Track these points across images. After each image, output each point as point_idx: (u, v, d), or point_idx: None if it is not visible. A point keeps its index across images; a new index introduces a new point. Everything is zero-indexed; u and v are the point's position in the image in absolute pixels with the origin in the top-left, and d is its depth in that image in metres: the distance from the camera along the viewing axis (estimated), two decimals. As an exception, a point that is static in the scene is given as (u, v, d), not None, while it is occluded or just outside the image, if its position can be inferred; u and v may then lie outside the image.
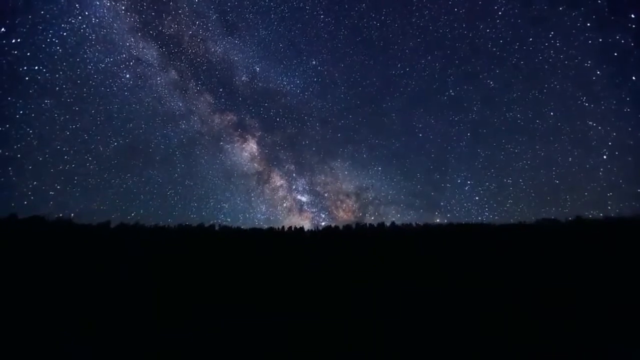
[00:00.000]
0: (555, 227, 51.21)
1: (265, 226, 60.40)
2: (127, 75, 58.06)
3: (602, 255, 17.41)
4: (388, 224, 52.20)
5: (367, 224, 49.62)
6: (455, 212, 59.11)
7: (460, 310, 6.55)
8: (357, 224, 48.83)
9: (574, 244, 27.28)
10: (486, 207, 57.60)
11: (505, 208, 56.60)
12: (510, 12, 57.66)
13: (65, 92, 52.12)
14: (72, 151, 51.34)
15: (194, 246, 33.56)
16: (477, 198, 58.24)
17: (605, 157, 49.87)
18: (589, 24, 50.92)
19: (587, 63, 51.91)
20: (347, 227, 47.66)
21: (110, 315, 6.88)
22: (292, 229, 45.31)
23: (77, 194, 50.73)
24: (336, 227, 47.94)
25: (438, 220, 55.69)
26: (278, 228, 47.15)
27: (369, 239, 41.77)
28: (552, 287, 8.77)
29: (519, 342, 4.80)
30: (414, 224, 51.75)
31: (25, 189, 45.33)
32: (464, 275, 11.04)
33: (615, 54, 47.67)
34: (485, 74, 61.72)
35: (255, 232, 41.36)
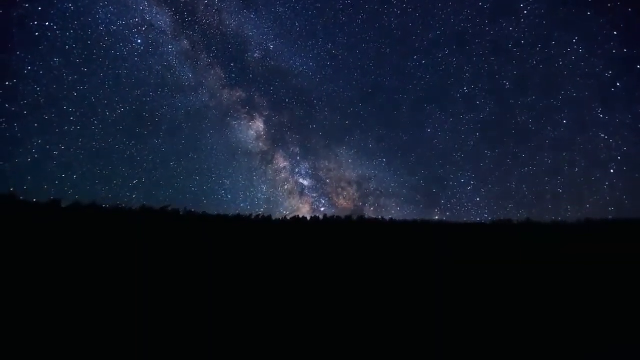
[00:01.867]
0: (508, 228, 55.54)
1: (265, 206, 60.41)
2: (139, 41, 55.74)
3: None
4: (387, 216, 53.70)
5: (336, 217, 50.75)
6: (455, 210, 60.33)
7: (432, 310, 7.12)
8: (326, 216, 49.80)
9: (525, 244, 30.13)
10: (486, 209, 58.86)
11: (505, 212, 57.99)
12: (536, 11, 55.32)
13: (75, 51, 50.50)
14: (78, 113, 50.48)
15: (156, 230, 32.34)
16: (478, 199, 59.35)
17: (612, 171, 50.69)
18: (615, 33, 49.80)
19: (608, 73, 51.49)
20: (315, 219, 48.43)
21: (56, 303, 6.68)
22: (260, 217, 45.18)
23: (81, 157, 50.26)
24: (304, 217, 48.57)
25: (437, 217, 57.51)
26: (246, 215, 46.73)
27: (340, 232, 42.86)
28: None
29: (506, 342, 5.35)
30: (381, 217, 53.74)
31: (29, 146, 44.82)
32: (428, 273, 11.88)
33: (639, 67, 47.02)
34: (503, 74, 60.77)
35: (221, 218, 40.67)
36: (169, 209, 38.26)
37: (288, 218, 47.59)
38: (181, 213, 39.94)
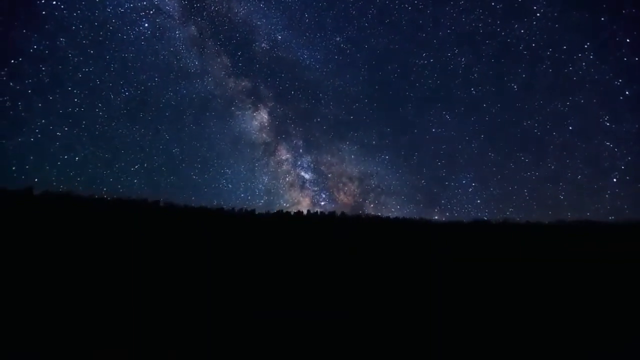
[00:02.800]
0: (487, 228, 56.27)
1: (266, 197, 60.76)
2: (146, 25, 55.26)
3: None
4: (387, 214, 53.88)
5: (319, 212, 50.94)
6: (454, 211, 59.57)
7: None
8: (309, 212, 49.93)
9: (502, 244, 30.53)
10: (486, 212, 58.37)
11: (505, 215, 57.50)
12: (549, 14, 53.06)
13: (81, 32, 50.24)
14: (82, 95, 50.45)
15: (133, 222, 32.02)
16: (479, 201, 58.78)
17: (615, 180, 50.06)
18: (628, 40, 47.66)
19: (618, 81, 49.52)
20: (299, 213, 48.50)
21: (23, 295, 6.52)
22: (243, 210, 45.13)
23: (84, 139, 50.23)
24: (288, 212, 48.68)
25: (436, 217, 57.51)
26: (229, 208, 46.64)
27: (318, 228, 43.01)
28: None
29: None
30: (364, 215, 53.96)
31: (32, 126, 44.97)
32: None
33: (650, 76, 43.96)
34: (511, 76, 58.98)
35: (203, 210, 40.45)
36: (148, 200, 37.95)
37: (271, 212, 47.67)
38: (161, 205, 39.68)
